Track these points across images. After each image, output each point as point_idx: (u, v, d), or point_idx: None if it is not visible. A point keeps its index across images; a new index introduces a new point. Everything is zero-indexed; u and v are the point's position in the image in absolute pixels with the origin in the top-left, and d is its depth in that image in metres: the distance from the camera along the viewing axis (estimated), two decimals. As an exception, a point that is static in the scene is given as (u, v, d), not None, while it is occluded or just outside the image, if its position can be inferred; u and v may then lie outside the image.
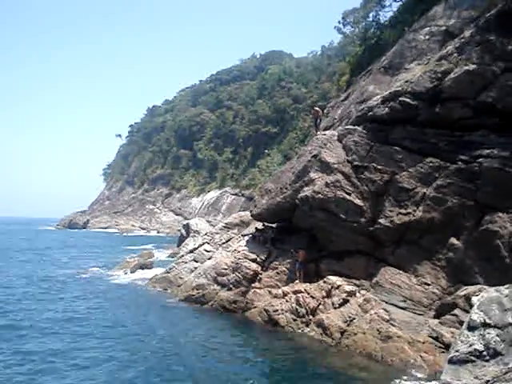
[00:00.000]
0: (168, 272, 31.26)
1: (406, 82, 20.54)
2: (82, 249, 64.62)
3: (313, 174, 21.89)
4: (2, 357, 16.24)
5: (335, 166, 21.31)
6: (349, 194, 20.63)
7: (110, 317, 22.87)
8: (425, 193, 19.11)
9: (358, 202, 20.46)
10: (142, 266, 38.38)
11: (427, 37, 23.26)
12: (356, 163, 21.00)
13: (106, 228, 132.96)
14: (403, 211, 19.55)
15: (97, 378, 14.33)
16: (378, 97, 21.73)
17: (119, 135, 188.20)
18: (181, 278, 29.13)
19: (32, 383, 13.89)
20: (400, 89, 20.37)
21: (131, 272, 37.37)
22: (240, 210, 60.60)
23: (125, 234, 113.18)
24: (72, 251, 60.37)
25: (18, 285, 31.78)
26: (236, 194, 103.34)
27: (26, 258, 50.71)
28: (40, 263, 46.17)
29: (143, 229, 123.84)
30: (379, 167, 20.29)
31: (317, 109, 30.12)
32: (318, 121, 29.44)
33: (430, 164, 19.12)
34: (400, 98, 20.14)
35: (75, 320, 21.99)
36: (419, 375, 14.76)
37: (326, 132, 24.11)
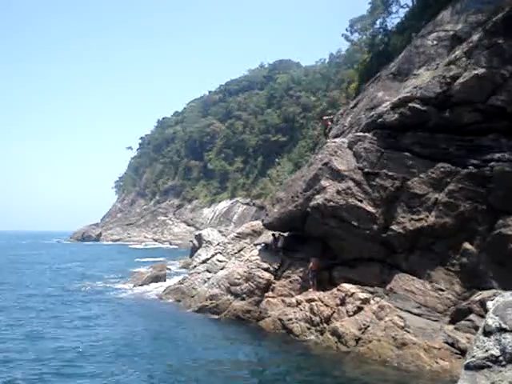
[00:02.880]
0: (181, 283, 31.29)
1: (415, 87, 20.52)
2: (95, 261, 64.85)
3: (324, 182, 21.88)
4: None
5: (346, 173, 21.29)
6: (360, 201, 20.60)
7: (122, 330, 22.95)
8: (437, 198, 19.03)
9: (370, 208, 20.42)
10: (155, 278, 38.43)
11: (435, 42, 23.26)
12: (367, 170, 20.97)
13: (118, 240, 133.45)
14: (415, 217, 19.49)
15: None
16: (388, 103, 21.71)
17: (130, 147, 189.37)
18: (194, 288, 29.16)
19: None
20: (409, 95, 20.35)
21: (144, 284, 37.42)
22: (251, 220, 60.66)
23: (137, 246, 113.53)
24: (84, 264, 60.57)
25: (33, 298, 31.97)
26: (247, 204, 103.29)
27: (40, 272, 51.06)
28: (54, 277, 46.43)
29: (155, 240, 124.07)
30: (390, 173, 20.25)
31: (326, 118, 30.23)
32: (328, 130, 29.53)
33: (442, 169, 19.05)
34: (409, 104, 20.11)
35: (85, 332, 22.18)
36: (436, 382, 14.65)
37: (336, 140, 24.09)
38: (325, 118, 30.96)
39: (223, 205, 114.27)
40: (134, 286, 37.51)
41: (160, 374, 15.94)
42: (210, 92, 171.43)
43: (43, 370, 16.51)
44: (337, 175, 21.58)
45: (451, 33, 22.53)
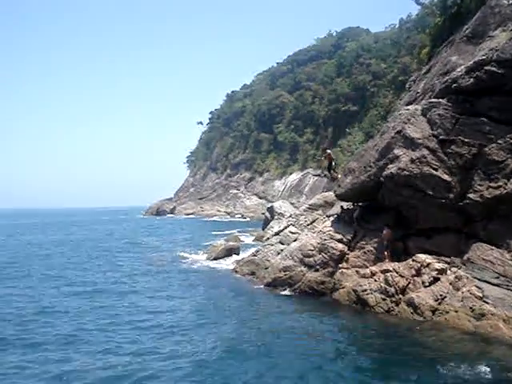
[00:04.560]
0: (254, 255, 31.65)
1: (491, 50, 19.68)
2: (170, 235, 66.63)
3: (397, 151, 21.46)
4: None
5: (420, 141, 20.78)
6: (435, 170, 20.09)
7: (197, 301, 23.73)
8: (516, 164, 18.36)
9: (446, 177, 19.90)
10: (229, 251, 38.98)
11: (511, 1, 22.19)
12: (442, 137, 20.38)
13: (191, 214, 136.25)
14: (493, 185, 18.85)
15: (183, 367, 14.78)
16: (462, 67, 20.94)
17: (200, 122, 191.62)
18: (267, 260, 29.42)
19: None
20: (485, 57, 19.55)
21: (218, 256, 38.09)
22: (323, 191, 60.26)
23: (210, 220, 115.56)
24: (160, 238, 62.46)
25: (111, 270, 33.30)
26: (318, 175, 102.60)
27: (118, 245, 53.02)
28: (131, 250, 48.14)
29: (228, 213, 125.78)
30: (466, 140, 19.62)
31: (329, 151, 30.53)
32: (332, 164, 30.08)
33: (521, 134, 18.33)
34: (485, 67, 19.32)
35: (160, 303, 23.01)
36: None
37: (409, 107, 23.51)
38: (328, 151, 31.42)
39: (294, 177, 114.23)
40: (209, 258, 38.30)
41: (237, 345, 16.25)
42: (277, 63, 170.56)
43: (116, 338, 17.34)
44: (410, 143, 21.11)
45: (529, -10, 21.45)
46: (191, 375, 13.59)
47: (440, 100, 21.16)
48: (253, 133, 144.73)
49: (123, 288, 27.02)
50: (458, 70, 21.23)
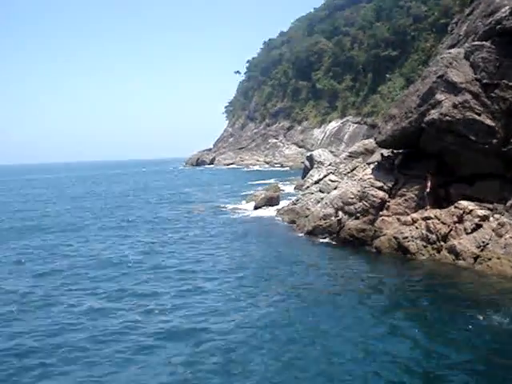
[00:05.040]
0: (295, 204, 31.79)
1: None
2: (210, 185, 67.39)
3: (439, 96, 20.97)
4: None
5: (463, 85, 20.24)
6: (479, 115, 19.63)
7: (237, 250, 24.25)
8: None
9: (489, 122, 19.44)
10: (269, 200, 39.18)
11: None
12: (485, 81, 19.81)
13: (231, 164, 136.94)
14: (539, 129, 18.38)
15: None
16: (507, 8, 20.13)
17: (238, 72, 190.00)
18: (307, 208, 29.50)
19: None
20: (532, -4, 18.78)
21: (259, 205, 38.40)
22: (363, 139, 59.47)
23: (250, 169, 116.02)
24: (200, 188, 63.32)
25: (155, 220, 34.01)
26: (358, 123, 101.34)
27: (160, 196, 53.95)
28: (173, 200, 48.99)
29: (267, 163, 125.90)
30: (511, 84, 19.05)
31: None
32: None
33: None
34: (532, 7, 18.60)
35: (202, 252, 23.64)
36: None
37: (452, 50, 22.84)
38: None
39: (333, 125, 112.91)
40: (249, 208, 38.71)
41: (278, 294, 16.53)
42: (315, 9, 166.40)
43: (160, 284, 17.97)
44: (453, 88, 20.59)
45: None
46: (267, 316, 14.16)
47: (483, 42, 20.49)
48: (291, 81, 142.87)
49: (168, 237, 27.78)
50: (503, 10, 20.46)
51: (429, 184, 21.73)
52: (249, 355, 11.52)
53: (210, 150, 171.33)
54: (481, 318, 13.01)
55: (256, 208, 38.16)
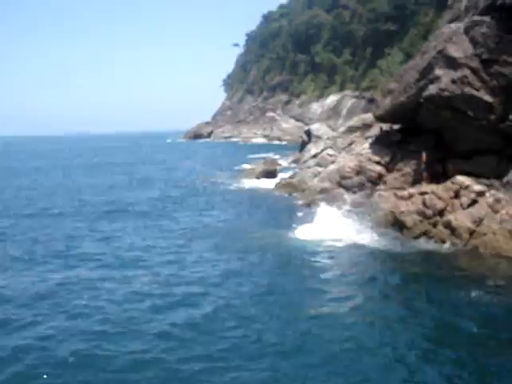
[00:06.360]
0: (292, 177, 31.89)
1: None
2: (208, 159, 67.30)
3: (438, 71, 20.91)
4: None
5: (462, 60, 20.17)
6: (477, 90, 19.60)
7: (235, 217, 24.99)
8: None
9: (488, 98, 19.42)
10: (267, 173, 39.29)
11: None
12: (485, 57, 19.74)
13: (229, 138, 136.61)
14: (538, 106, 18.39)
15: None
16: (509, -18, 20.02)
17: (236, 44, 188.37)
18: (305, 182, 29.61)
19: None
20: (535, -29, 18.63)
21: (257, 178, 38.55)
22: (361, 113, 59.32)
23: (248, 143, 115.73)
24: (199, 161, 63.36)
25: (155, 192, 34.16)
26: (356, 97, 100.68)
27: (158, 169, 54.04)
28: (171, 173, 49.09)
29: (265, 136, 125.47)
30: (510, 60, 19.00)
31: None
32: None
33: None
34: (534, -19, 18.46)
35: (202, 219, 24.04)
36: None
37: (451, 25, 22.71)
38: None
39: (332, 99, 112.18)
40: (247, 180, 38.86)
41: (279, 259, 17.02)
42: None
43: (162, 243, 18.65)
44: (452, 63, 20.52)
45: None
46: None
47: (484, 18, 20.36)
48: (289, 54, 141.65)
49: (168, 209, 27.98)
50: (505, -16, 20.31)
51: (426, 159, 21.79)
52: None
53: (208, 123, 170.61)
54: (470, 294, 13.06)
55: (257, 178, 38.60)
